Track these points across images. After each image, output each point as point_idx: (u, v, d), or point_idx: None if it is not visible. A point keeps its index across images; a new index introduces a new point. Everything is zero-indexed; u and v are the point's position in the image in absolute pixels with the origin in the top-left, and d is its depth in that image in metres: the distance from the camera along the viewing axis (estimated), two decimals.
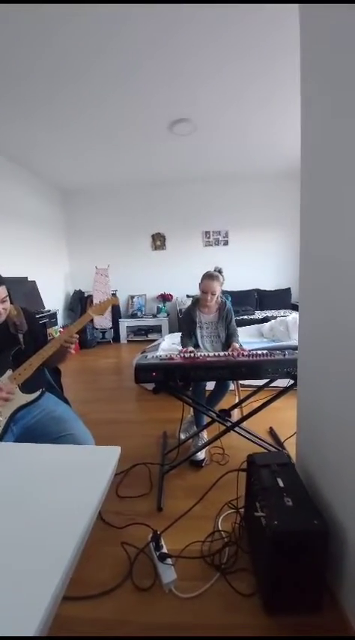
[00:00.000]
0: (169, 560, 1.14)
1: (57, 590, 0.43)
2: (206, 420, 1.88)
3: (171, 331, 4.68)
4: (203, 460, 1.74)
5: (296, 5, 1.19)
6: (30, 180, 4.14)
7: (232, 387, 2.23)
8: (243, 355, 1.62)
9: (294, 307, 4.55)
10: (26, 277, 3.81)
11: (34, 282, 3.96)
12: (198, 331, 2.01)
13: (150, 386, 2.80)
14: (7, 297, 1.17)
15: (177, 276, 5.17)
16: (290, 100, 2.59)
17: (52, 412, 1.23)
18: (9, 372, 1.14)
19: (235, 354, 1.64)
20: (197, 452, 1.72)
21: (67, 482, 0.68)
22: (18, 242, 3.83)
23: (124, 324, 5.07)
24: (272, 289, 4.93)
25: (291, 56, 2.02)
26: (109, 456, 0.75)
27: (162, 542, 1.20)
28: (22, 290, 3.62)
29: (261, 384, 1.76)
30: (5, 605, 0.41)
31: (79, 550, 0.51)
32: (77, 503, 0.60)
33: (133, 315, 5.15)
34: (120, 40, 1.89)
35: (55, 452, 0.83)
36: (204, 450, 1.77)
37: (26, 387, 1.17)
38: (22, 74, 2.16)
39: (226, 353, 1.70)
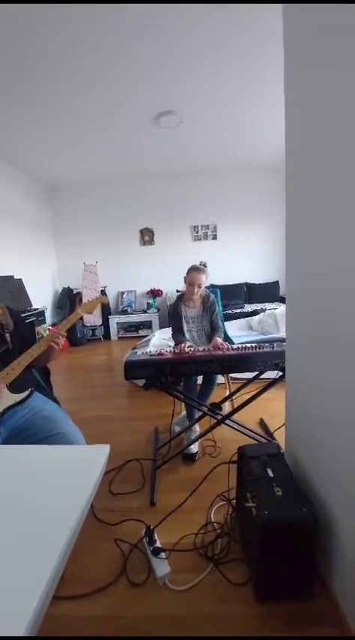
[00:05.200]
0: (163, 554, 1.15)
1: (47, 587, 0.42)
2: (198, 413, 1.89)
3: (161, 327, 4.67)
4: (196, 453, 1.76)
5: None
6: (13, 176, 4.02)
7: (223, 380, 2.24)
8: (230, 349, 1.63)
9: (283, 300, 4.59)
10: (12, 275, 3.72)
11: (21, 280, 3.87)
12: (185, 326, 2.00)
13: (141, 382, 2.80)
14: None
15: (167, 271, 5.14)
16: (279, 90, 2.57)
17: (40, 411, 1.21)
18: None
19: (219, 348, 1.65)
20: (189, 445, 1.74)
21: (55, 483, 0.67)
22: (2, 239, 3.73)
23: (114, 320, 5.03)
24: (261, 282, 4.96)
25: (275, 47, 2.01)
26: (98, 455, 0.75)
27: (156, 537, 1.21)
28: (8, 288, 3.54)
29: (251, 377, 1.78)
30: None
31: (69, 548, 0.51)
32: (66, 502, 0.60)
33: (123, 312, 5.11)
34: (103, 29, 1.84)
35: (43, 453, 0.82)
36: (196, 444, 1.78)
37: (14, 386, 1.14)
38: (1, 68, 2.08)
39: (208, 348, 1.70)
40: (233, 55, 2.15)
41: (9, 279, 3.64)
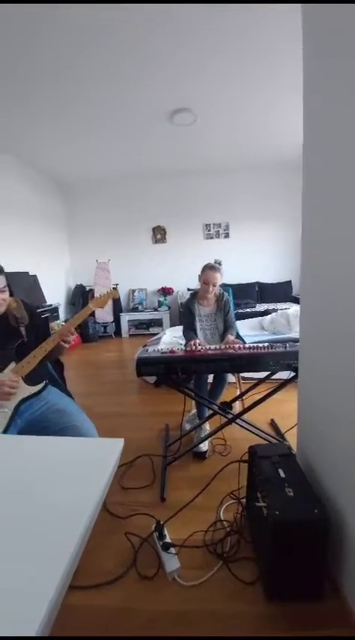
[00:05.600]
0: (172, 550, 1.16)
1: (63, 579, 0.43)
2: (208, 412, 1.89)
3: (172, 325, 4.68)
4: (206, 451, 1.76)
5: None
6: (29, 175, 4.10)
7: (233, 379, 2.24)
8: (242, 348, 1.62)
9: (295, 300, 4.53)
10: (27, 272, 3.80)
11: (35, 276, 3.95)
12: (197, 324, 2.00)
13: (152, 379, 2.82)
14: (7, 288, 1.17)
15: (178, 269, 5.15)
16: (292, 87, 2.54)
17: (55, 405, 1.24)
18: (12, 365, 1.14)
19: (231, 346, 1.64)
20: (200, 443, 1.74)
21: (71, 474, 0.68)
22: (18, 236, 3.82)
23: (125, 317, 5.07)
24: (274, 282, 4.91)
25: (293, 42, 1.97)
26: (113, 448, 0.76)
27: (166, 532, 1.22)
28: (23, 284, 3.62)
29: (263, 377, 1.77)
30: (12, 594, 0.41)
31: (83, 540, 0.52)
32: (81, 494, 0.61)
33: (134, 309, 5.15)
34: (117, 27, 1.85)
35: (59, 444, 0.84)
36: (206, 442, 1.78)
37: (30, 379, 1.17)
38: (16, 66, 2.12)
39: (221, 346, 1.70)
40: (248, 52, 2.12)
41: (24, 275, 3.73)
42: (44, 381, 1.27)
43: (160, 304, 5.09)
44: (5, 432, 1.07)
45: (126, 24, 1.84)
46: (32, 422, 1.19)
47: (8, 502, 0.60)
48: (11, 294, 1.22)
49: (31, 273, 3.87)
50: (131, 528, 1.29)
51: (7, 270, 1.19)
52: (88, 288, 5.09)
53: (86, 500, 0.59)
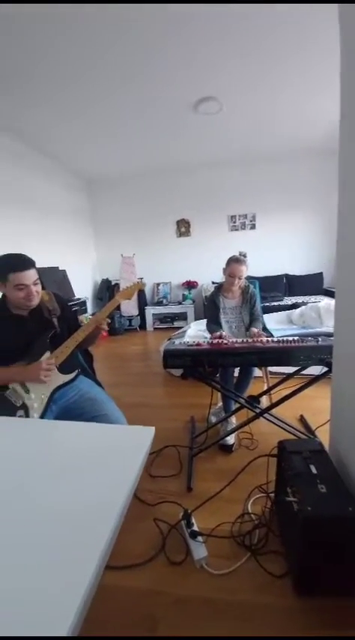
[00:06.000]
0: (200, 538, 1.17)
1: (100, 560, 0.45)
2: (234, 405, 1.88)
3: (196, 318, 4.68)
4: (232, 445, 1.76)
5: None
6: (57, 172, 4.23)
7: (260, 373, 2.20)
8: (270, 341, 1.58)
9: (327, 293, 4.33)
10: (57, 267, 3.95)
11: (65, 271, 4.10)
12: (222, 317, 1.98)
13: (177, 372, 2.84)
14: (39, 280, 1.22)
15: (202, 262, 5.10)
16: (321, 73, 2.41)
17: (87, 393, 1.29)
18: (47, 354, 1.20)
19: (260, 340, 1.61)
20: (226, 436, 1.74)
21: (106, 459, 0.71)
22: (49, 233, 3.97)
23: (150, 311, 5.13)
24: (303, 274, 4.72)
25: (322, 30, 1.91)
26: (144, 436, 0.78)
27: (193, 521, 1.24)
28: (53, 278, 3.77)
29: (292, 372, 1.72)
30: (55, 574, 0.44)
31: (119, 524, 0.54)
32: (116, 479, 0.64)
33: (159, 303, 5.19)
34: (145, 24, 1.84)
35: (92, 430, 0.87)
36: (233, 435, 1.78)
37: (63, 368, 1.23)
38: (43, 67, 2.17)
39: (247, 339, 1.66)
40: (277, 38, 2.02)
41: (54, 270, 3.88)
42: (76, 370, 1.32)
43: (184, 298, 5.09)
44: (42, 417, 1.14)
45: (150, 22, 1.83)
46: (66, 409, 1.25)
47: (50, 483, 0.64)
48: (43, 288, 1.28)
49: (60, 268, 4.01)
50: (159, 515, 1.32)
51: (38, 265, 1.24)
52: (113, 283, 5.20)
53: (121, 484, 0.61)
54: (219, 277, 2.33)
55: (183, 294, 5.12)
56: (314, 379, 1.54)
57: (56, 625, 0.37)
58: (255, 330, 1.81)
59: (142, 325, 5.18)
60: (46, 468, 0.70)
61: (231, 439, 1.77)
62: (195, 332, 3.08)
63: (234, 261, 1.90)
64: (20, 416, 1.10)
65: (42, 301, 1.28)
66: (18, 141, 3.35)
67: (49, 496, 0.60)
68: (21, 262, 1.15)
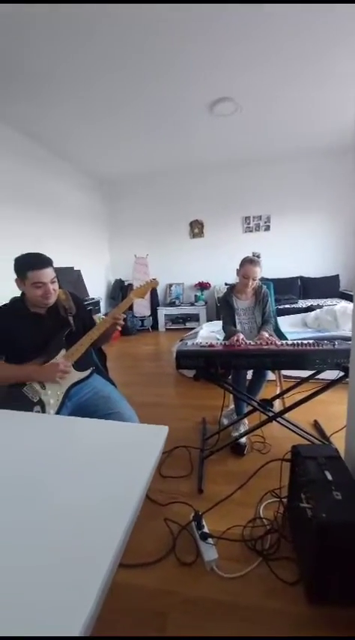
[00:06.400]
0: (210, 540, 1.17)
1: (115, 556, 0.46)
2: (246, 408, 1.86)
3: (208, 320, 4.66)
4: (244, 447, 1.74)
5: None
6: (75, 174, 4.32)
7: (273, 377, 2.17)
8: (282, 344, 1.56)
9: (343, 296, 4.23)
10: (72, 267, 4.03)
11: (79, 271, 4.17)
12: (236, 318, 1.97)
13: (189, 373, 2.84)
14: (56, 279, 1.25)
15: (216, 263, 5.08)
16: (339, 69, 2.37)
17: (100, 391, 1.31)
18: (63, 352, 1.23)
19: (273, 342, 1.58)
20: (239, 438, 1.72)
21: (120, 457, 0.72)
22: (65, 233, 4.06)
23: (162, 312, 5.15)
24: (318, 276, 4.62)
25: (338, 25, 1.88)
26: (158, 435, 0.79)
27: (204, 522, 1.23)
28: (69, 279, 3.84)
29: (306, 376, 1.68)
30: (68, 572, 0.44)
31: (132, 523, 0.54)
32: (130, 476, 0.64)
33: (171, 304, 5.21)
34: (158, 22, 1.85)
35: (108, 427, 0.89)
36: (245, 438, 1.76)
37: (79, 365, 1.25)
38: (60, 67, 2.21)
39: (256, 342, 1.64)
40: (293, 34, 2.00)
41: (69, 270, 3.95)
42: (91, 368, 1.35)
43: (197, 299, 5.08)
44: (57, 413, 1.16)
45: (169, 25, 1.85)
46: (80, 406, 1.27)
47: (63, 480, 0.65)
48: (60, 287, 1.31)
49: (75, 268, 4.09)
50: (170, 515, 1.33)
51: (54, 265, 1.27)
52: (126, 283, 5.25)
53: (135, 483, 0.62)
54: (232, 279, 2.32)
55: (196, 295, 5.12)
56: (330, 384, 1.51)
57: (70, 625, 0.37)
58: (265, 334, 1.72)
59: (154, 326, 5.21)
60: (62, 463, 0.71)
61: (242, 442, 1.75)
62: (208, 333, 3.07)
63: (248, 263, 1.88)
64: (37, 411, 1.12)
65: (59, 300, 1.31)
66: (37, 144, 3.44)
67: (65, 491, 0.61)
68: (39, 261, 1.18)
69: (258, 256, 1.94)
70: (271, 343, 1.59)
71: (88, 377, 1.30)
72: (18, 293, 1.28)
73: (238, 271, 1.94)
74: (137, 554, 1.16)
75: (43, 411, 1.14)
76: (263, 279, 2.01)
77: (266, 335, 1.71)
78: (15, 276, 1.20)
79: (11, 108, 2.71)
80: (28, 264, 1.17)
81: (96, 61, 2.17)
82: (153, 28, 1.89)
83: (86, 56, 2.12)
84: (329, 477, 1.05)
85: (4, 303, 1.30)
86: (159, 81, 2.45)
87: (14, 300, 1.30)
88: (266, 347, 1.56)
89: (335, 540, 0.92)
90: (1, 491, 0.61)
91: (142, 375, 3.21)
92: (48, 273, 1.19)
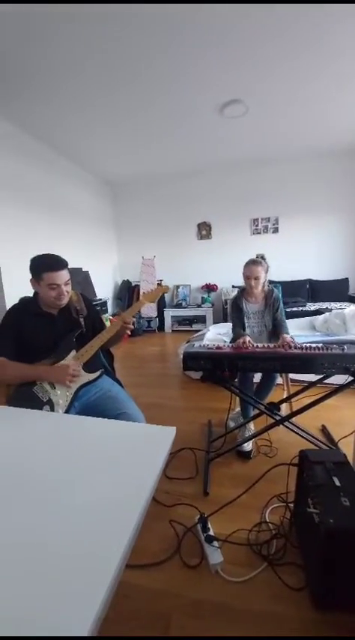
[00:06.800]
0: (216, 543, 1.16)
1: (123, 556, 0.47)
2: (253, 411, 1.85)
3: (215, 321, 4.65)
4: (251, 451, 1.73)
5: None
6: (82, 176, 4.38)
7: (280, 380, 2.15)
8: (295, 348, 1.55)
9: (353, 299, 4.18)
10: (81, 268, 4.07)
11: (88, 272, 4.21)
12: (245, 321, 1.96)
13: (196, 375, 2.84)
14: (70, 281, 1.27)
15: (223, 265, 5.08)
16: (350, 68, 2.35)
17: (108, 392, 1.32)
18: (73, 353, 1.24)
19: (286, 347, 1.57)
20: (245, 442, 1.71)
21: (128, 457, 0.73)
22: (74, 235, 4.11)
23: (169, 313, 5.16)
24: (327, 279, 4.58)
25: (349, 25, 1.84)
26: (166, 435, 0.79)
27: (209, 525, 1.23)
28: (77, 279, 3.88)
29: (314, 380, 1.67)
30: (77, 572, 0.45)
31: (140, 523, 0.55)
32: (138, 477, 0.65)
33: (178, 305, 5.21)
34: (170, 26, 1.87)
35: (116, 427, 0.89)
36: (250, 442, 1.75)
37: (88, 366, 1.26)
38: (72, 70, 2.25)
39: (276, 344, 1.64)
40: (302, 34, 2.00)
41: (78, 271, 4.00)
42: (100, 369, 1.36)
43: (204, 301, 5.08)
44: (66, 413, 1.17)
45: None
46: (88, 406, 1.28)
47: (72, 479, 0.65)
48: (72, 288, 1.32)
49: (83, 269, 4.13)
50: (175, 517, 1.33)
51: None
52: (133, 284, 5.28)
53: (143, 482, 0.62)
54: (240, 281, 2.32)
55: (202, 297, 5.12)
56: (338, 388, 1.49)
57: (78, 625, 0.37)
58: (287, 337, 1.74)
59: (161, 327, 5.22)
60: (71, 462, 0.72)
61: (248, 446, 1.74)
62: (214, 335, 3.06)
63: (250, 263, 1.88)
64: (46, 411, 1.14)
65: (70, 301, 1.33)
66: (47, 146, 3.50)
67: (74, 491, 0.62)
68: (55, 263, 1.20)
69: (263, 257, 1.93)
70: (294, 347, 1.58)
71: (97, 378, 1.31)
72: (26, 293, 1.30)
73: (243, 273, 1.94)
74: (142, 554, 1.17)
75: (52, 410, 1.15)
76: (270, 282, 2.01)
77: (289, 338, 1.72)
78: (30, 276, 1.22)
79: (27, 112, 2.78)
80: (44, 265, 1.19)
81: (117, 69, 2.22)
82: (170, 33, 1.91)
83: (106, 63, 2.17)
84: (337, 483, 1.04)
85: (15, 303, 1.32)
86: (173, 86, 2.49)
87: (27, 300, 1.32)
88: (273, 350, 1.55)
89: (342, 546, 0.91)
90: (9, 490, 0.62)
91: (148, 377, 3.22)
92: (63, 275, 1.21)
